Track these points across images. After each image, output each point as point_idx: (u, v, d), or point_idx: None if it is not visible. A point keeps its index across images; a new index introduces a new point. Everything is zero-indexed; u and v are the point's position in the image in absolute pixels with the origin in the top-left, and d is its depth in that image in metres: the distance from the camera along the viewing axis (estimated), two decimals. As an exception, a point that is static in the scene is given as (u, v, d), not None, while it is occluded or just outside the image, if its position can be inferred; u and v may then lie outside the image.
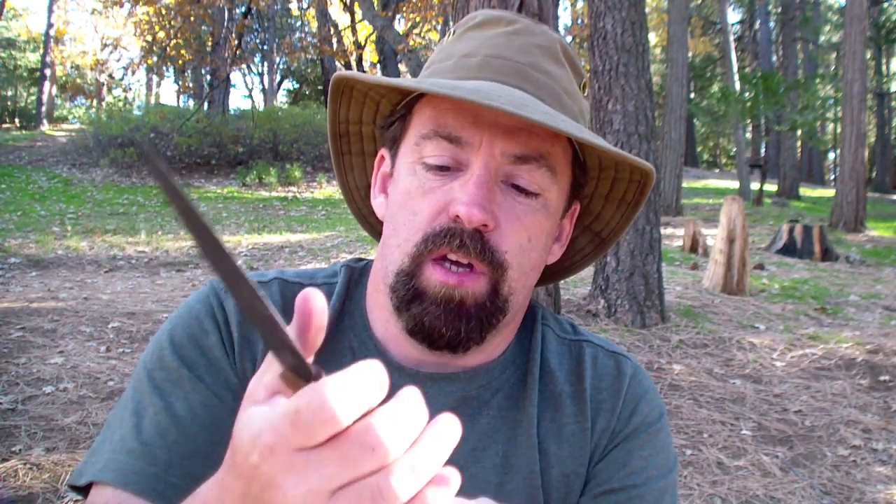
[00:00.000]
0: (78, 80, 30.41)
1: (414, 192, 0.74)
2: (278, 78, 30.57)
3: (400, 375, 0.78)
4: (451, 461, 0.77)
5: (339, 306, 0.83)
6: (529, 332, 0.86)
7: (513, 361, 0.83)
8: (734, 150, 26.45)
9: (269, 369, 0.44)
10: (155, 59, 17.02)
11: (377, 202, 0.84)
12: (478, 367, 0.80)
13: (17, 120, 25.71)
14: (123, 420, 0.73)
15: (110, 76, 28.47)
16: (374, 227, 0.94)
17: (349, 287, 0.85)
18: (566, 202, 0.80)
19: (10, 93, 29.51)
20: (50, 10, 24.26)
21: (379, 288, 0.80)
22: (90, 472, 0.70)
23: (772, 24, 27.62)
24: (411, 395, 0.41)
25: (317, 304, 0.44)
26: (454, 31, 0.83)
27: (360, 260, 0.89)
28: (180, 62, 17.18)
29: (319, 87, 28.65)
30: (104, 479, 0.69)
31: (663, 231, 7.27)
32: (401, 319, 0.75)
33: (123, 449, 0.70)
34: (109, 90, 31.92)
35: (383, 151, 0.84)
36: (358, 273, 0.87)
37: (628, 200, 0.85)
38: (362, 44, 19.14)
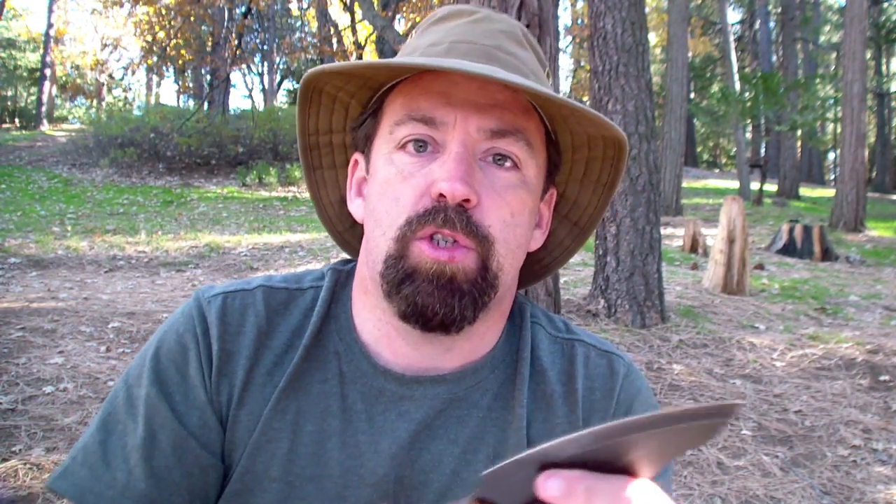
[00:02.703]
0: (78, 80, 30.39)
1: (393, 180, 0.73)
2: (278, 78, 30.57)
3: (386, 379, 0.78)
4: (442, 464, 0.76)
5: (325, 309, 0.82)
6: (518, 331, 0.85)
7: (502, 360, 0.82)
8: (734, 150, 26.45)
9: None
10: (155, 59, 17.04)
11: (354, 205, 0.83)
12: (465, 366, 0.79)
13: (17, 120, 25.71)
14: (96, 431, 0.76)
15: (110, 76, 28.49)
16: (349, 244, 0.93)
17: (335, 289, 0.84)
18: (544, 182, 0.80)
19: (10, 93, 29.50)
20: (50, 10, 24.26)
21: (367, 288, 0.79)
22: (54, 478, 0.74)
23: (772, 24, 27.62)
24: None
25: None
26: (415, 33, 0.83)
27: (348, 262, 0.88)
28: (180, 62, 17.20)
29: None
30: (60, 489, 0.73)
31: (663, 231, 7.27)
32: (392, 305, 0.73)
33: (87, 463, 0.74)
34: (109, 90, 31.92)
35: (356, 156, 0.83)
36: (345, 275, 0.86)
37: (603, 182, 0.85)
38: (362, 44, 19.15)
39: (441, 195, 0.69)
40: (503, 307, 0.81)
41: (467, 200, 0.70)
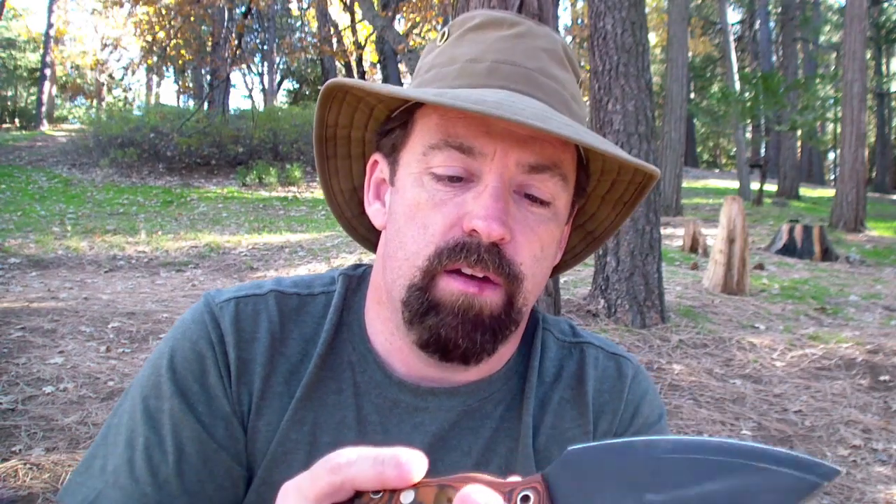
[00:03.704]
0: (78, 80, 30.41)
1: (423, 205, 0.71)
2: (278, 78, 30.58)
3: (400, 390, 0.77)
4: None
5: (337, 317, 0.80)
6: (530, 339, 0.84)
7: (515, 371, 0.82)
8: (734, 150, 26.45)
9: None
10: (155, 59, 17.04)
11: (373, 209, 0.81)
12: (479, 379, 0.79)
13: (17, 120, 25.72)
14: (117, 447, 0.73)
15: (110, 76, 28.50)
16: (358, 231, 0.91)
17: (347, 296, 0.82)
18: (571, 207, 0.79)
19: (10, 93, 29.52)
20: (50, 10, 24.24)
21: (382, 301, 0.77)
22: (82, 498, 0.71)
23: (772, 24, 27.61)
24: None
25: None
26: (448, 33, 0.80)
27: (358, 266, 0.87)
28: (180, 62, 17.21)
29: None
30: None
31: (663, 231, 7.27)
32: (412, 332, 0.72)
33: (116, 484, 0.71)
34: (109, 90, 31.93)
35: (377, 157, 0.81)
36: (356, 281, 0.84)
37: (625, 200, 0.84)
38: (362, 44, 19.16)
39: (474, 231, 0.68)
40: (520, 331, 0.81)
41: (502, 238, 0.68)
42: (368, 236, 0.91)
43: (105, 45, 24.39)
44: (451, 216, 0.69)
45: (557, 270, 0.93)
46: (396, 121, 0.77)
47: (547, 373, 0.83)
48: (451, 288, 0.69)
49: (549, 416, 0.80)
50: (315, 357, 0.77)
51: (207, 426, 0.73)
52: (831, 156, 36.84)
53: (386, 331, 0.78)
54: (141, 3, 14.69)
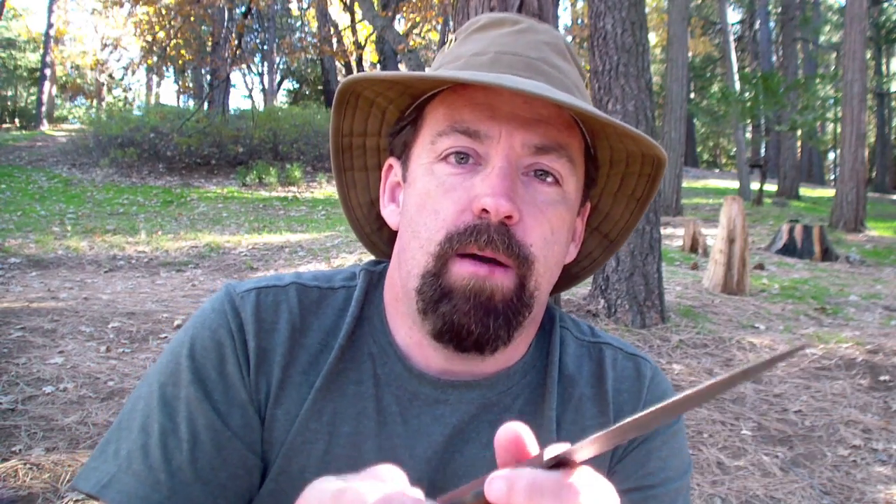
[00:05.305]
0: (78, 80, 30.42)
1: (433, 192, 0.72)
2: (278, 78, 30.58)
3: (421, 383, 0.78)
4: (474, 469, 0.76)
5: (359, 311, 0.81)
6: (548, 335, 0.85)
7: (533, 365, 0.83)
8: (734, 150, 26.45)
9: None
10: (155, 59, 17.04)
11: (388, 211, 0.83)
12: (498, 372, 0.80)
13: (17, 120, 25.71)
14: (132, 433, 0.73)
15: (110, 76, 28.50)
16: (377, 246, 0.93)
17: (368, 291, 0.83)
18: (581, 197, 0.80)
19: (10, 93, 29.52)
20: (50, 10, 24.24)
21: (399, 297, 0.78)
22: (95, 482, 0.71)
23: (772, 24, 27.62)
24: None
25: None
26: (455, 39, 0.83)
27: (379, 263, 0.88)
28: (180, 62, 17.21)
29: (319, 87, 28.64)
30: (109, 498, 0.70)
31: (663, 231, 7.27)
32: (427, 322, 0.73)
33: (130, 469, 0.71)
34: (109, 90, 31.93)
35: (391, 160, 0.82)
36: (377, 277, 0.85)
37: (637, 196, 0.85)
38: (362, 44, 19.17)
39: (484, 210, 0.69)
40: (536, 320, 0.82)
41: (509, 217, 0.69)
42: (388, 251, 0.92)
43: (105, 45, 24.38)
44: (461, 201, 0.71)
45: (576, 278, 0.94)
46: (406, 119, 0.79)
47: (566, 369, 0.83)
48: (462, 272, 0.70)
49: (569, 411, 0.81)
50: (336, 348, 0.78)
51: (223, 414, 0.74)
52: (831, 156, 36.83)
53: (405, 325, 0.79)
54: (141, 3, 14.70)
